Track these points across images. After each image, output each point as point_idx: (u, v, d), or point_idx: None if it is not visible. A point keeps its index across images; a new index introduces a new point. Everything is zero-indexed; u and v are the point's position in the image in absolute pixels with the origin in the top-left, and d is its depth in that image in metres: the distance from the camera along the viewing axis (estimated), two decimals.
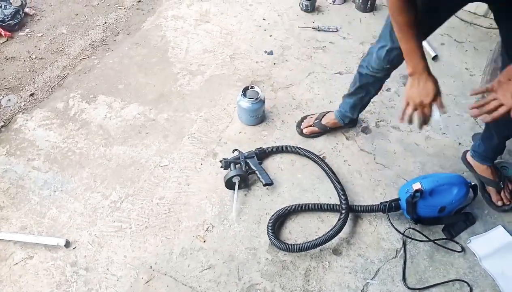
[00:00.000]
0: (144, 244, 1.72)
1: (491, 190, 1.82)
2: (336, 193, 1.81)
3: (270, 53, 2.55)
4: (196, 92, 2.32)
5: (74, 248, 1.71)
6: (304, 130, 2.08)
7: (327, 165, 1.90)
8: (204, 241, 1.73)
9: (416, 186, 1.64)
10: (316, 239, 1.65)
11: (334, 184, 1.84)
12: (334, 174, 1.86)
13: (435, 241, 1.70)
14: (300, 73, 2.43)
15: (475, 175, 1.87)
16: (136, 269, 1.65)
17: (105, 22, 2.77)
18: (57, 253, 1.70)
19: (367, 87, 1.76)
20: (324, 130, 2.07)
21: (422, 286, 1.61)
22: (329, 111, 2.08)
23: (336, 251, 1.71)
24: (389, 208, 1.72)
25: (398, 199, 1.73)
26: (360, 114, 2.01)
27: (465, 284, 1.62)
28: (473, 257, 1.69)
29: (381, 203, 1.75)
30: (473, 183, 1.70)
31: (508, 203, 1.79)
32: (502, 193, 1.80)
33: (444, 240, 1.72)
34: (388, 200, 1.73)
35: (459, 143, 2.06)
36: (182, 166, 1.98)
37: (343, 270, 1.66)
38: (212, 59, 2.51)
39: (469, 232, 1.76)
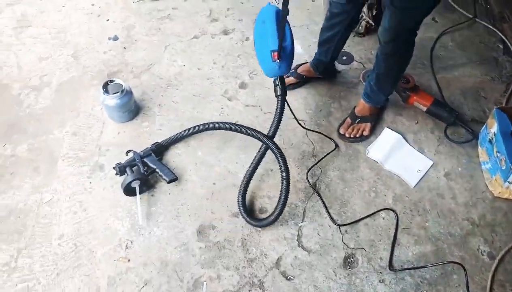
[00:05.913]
0: None
1: (347, 119, 1.94)
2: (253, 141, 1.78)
3: (115, 38, 2.32)
4: (50, 108, 2.01)
5: None
6: None
7: (227, 122, 1.80)
8: (129, 260, 1.57)
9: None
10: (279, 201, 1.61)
11: (247, 133, 1.73)
12: (241, 125, 1.77)
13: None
14: (156, 49, 2.26)
15: None
16: None
17: None
18: None
19: (336, 20, 1.79)
20: (301, 80, 2.08)
21: (349, 221, 1.68)
22: (305, 63, 2.13)
23: (261, 210, 1.71)
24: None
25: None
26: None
27: (391, 212, 1.72)
28: (376, 164, 1.84)
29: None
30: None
31: (348, 136, 1.90)
32: (351, 127, 1.91)
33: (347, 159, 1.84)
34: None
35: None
36: (69, 193, 1.74)
37: (274, 225, 1.66)
38: (52, 65, 2.19)
39: (364, 144, 1.90)
